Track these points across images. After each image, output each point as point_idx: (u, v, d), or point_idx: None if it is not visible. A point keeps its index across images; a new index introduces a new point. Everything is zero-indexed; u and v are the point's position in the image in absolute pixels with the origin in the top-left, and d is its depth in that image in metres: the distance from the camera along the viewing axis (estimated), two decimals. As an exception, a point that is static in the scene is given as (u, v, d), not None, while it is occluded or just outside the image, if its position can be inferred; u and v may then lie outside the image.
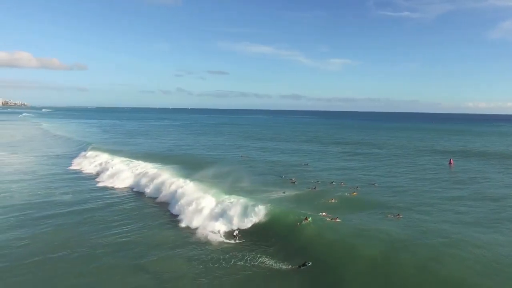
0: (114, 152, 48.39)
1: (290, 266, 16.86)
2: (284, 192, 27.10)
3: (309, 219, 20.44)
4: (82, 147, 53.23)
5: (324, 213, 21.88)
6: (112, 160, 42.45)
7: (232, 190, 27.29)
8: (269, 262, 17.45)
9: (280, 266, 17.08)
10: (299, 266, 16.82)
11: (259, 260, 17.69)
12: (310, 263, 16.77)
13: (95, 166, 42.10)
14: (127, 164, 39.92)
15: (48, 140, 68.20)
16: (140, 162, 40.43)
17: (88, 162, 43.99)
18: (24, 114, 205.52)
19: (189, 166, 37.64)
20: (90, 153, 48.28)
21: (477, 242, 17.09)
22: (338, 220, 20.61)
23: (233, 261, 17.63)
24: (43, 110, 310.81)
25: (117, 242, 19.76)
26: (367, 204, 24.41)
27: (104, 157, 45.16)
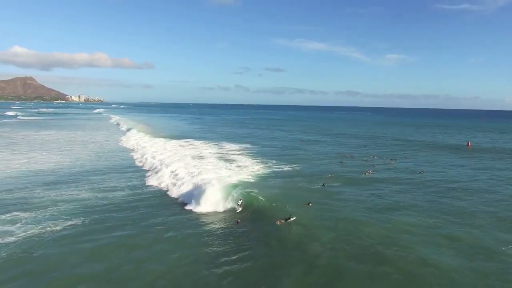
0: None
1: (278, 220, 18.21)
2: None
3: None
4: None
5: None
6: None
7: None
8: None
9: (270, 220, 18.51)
10: (286, 220, 18.33)
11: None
12: (294, 218, 18.39)
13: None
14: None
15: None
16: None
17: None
18: (98, 109, 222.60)
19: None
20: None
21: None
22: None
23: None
24: (113, 105, 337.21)
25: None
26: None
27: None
